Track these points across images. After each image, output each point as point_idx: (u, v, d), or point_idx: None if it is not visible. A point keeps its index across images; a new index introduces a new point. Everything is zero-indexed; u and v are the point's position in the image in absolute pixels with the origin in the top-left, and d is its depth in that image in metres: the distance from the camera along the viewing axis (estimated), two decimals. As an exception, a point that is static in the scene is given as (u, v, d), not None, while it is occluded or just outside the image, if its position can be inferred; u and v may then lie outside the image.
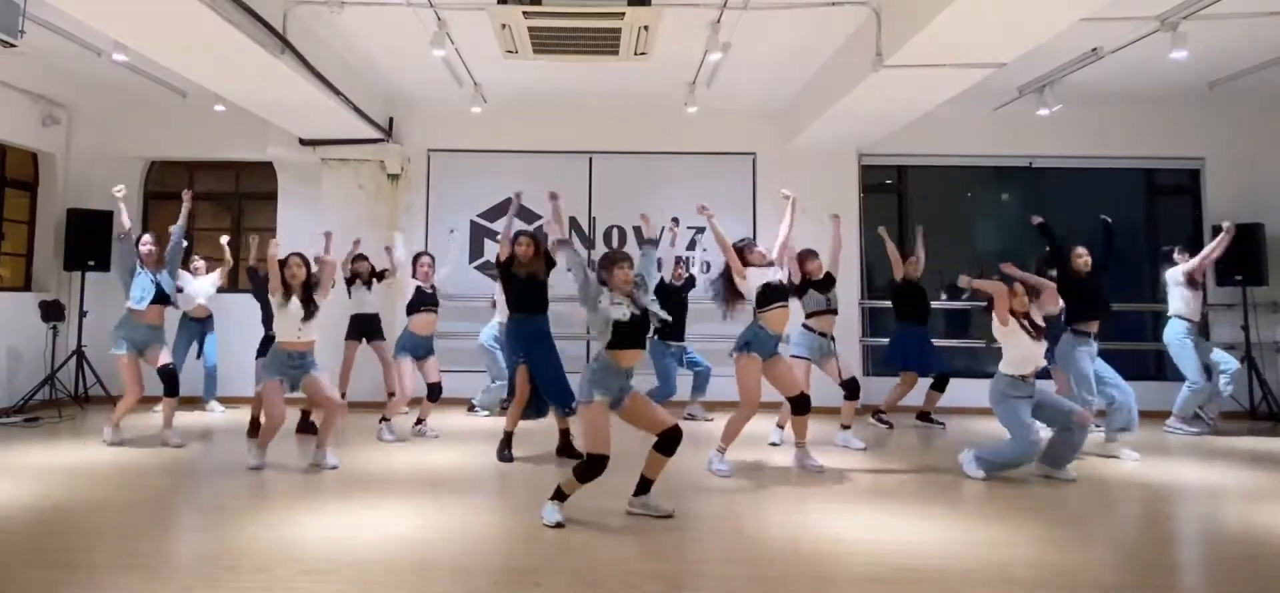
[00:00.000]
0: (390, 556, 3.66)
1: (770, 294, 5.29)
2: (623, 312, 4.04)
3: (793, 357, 6.03)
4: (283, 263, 5.37)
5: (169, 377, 6.10)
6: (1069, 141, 8.62)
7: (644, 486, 4.30)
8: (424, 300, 6.39)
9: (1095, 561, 3.70)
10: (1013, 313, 5.17)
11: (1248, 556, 3.89)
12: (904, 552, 3.79)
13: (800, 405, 5.38)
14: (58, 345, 7.98)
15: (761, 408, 5.43)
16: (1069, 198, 9.11)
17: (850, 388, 6.20)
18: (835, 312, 6.18)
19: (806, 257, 6.17)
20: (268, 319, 6.14)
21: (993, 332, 5.28)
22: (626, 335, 4.07)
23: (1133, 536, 4.32)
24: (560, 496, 4.14)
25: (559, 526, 4.04)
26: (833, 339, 6.16)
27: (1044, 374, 5.64)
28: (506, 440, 5.75)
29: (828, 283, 6.14)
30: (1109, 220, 6.43)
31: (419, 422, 6.53)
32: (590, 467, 4.02)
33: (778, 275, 5.38)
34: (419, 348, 6.39)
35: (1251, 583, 3.54)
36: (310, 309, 5.39)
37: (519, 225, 6.16)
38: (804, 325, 6.20)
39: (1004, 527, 4.22)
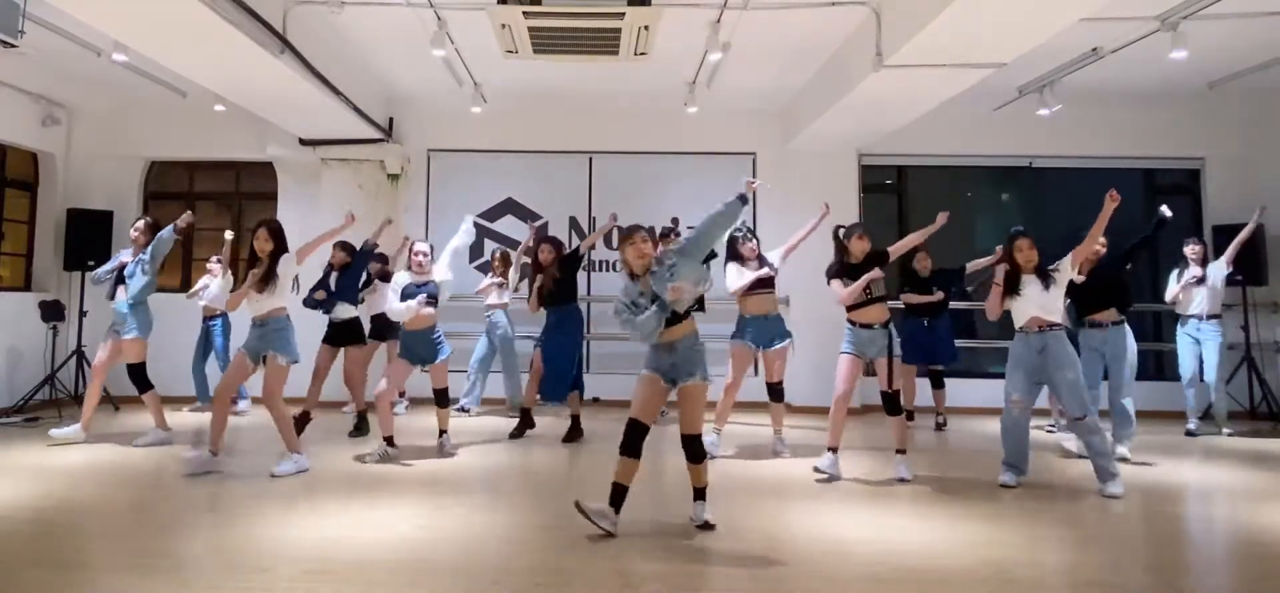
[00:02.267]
0: (390, 556, 3.67)
1: (751, 285, 5.75)
2: (651, 313, 3.85)
3: (842, 353, 5.29)
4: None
5: (134, 375, 6.13)
6: (1069, 142, 8.61)
7: (698, 494, 4.19)
8: (415, 292, 5.61)
9: (1095, 561, 3.70)
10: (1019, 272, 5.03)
11: (1249, 555, 3.90)
12: (904, 552, 3.79)
13: (773, 394, 5.98)
14: (57, 345, 7.99)
15: (744, 406, 6.03)
16: (1069, 198, 9.08)
17: (889, 403, 5.22)
18: (881, 299, 5.22)
19: (853, 233, 5.30)
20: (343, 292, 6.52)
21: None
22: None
23: (1133, 536, 4.31)
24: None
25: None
26: (887, 329, 5.21)
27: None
28: (525, 416, 6.49)
29: (867, 265, 5.17)
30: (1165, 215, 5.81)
31: (442, 433, 5.92)
32: (626, 432, 4.00)
33: (763, 272, 5.78)
34: (419, 349, 5.70)
35: (1252, 583, 3.55)
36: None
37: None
38: (848, 320, 5.30)
39: (1004, 527, 4.23)
